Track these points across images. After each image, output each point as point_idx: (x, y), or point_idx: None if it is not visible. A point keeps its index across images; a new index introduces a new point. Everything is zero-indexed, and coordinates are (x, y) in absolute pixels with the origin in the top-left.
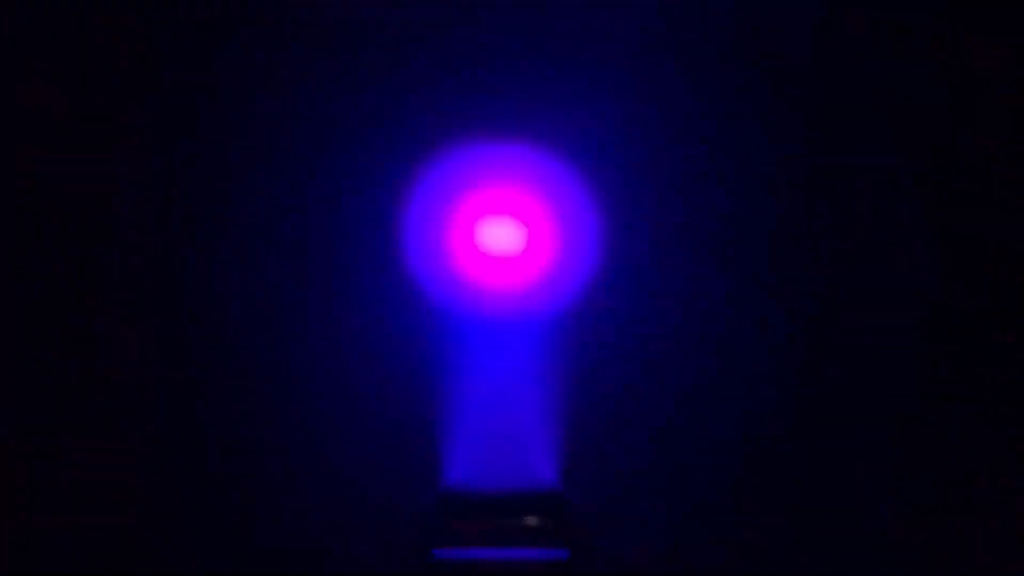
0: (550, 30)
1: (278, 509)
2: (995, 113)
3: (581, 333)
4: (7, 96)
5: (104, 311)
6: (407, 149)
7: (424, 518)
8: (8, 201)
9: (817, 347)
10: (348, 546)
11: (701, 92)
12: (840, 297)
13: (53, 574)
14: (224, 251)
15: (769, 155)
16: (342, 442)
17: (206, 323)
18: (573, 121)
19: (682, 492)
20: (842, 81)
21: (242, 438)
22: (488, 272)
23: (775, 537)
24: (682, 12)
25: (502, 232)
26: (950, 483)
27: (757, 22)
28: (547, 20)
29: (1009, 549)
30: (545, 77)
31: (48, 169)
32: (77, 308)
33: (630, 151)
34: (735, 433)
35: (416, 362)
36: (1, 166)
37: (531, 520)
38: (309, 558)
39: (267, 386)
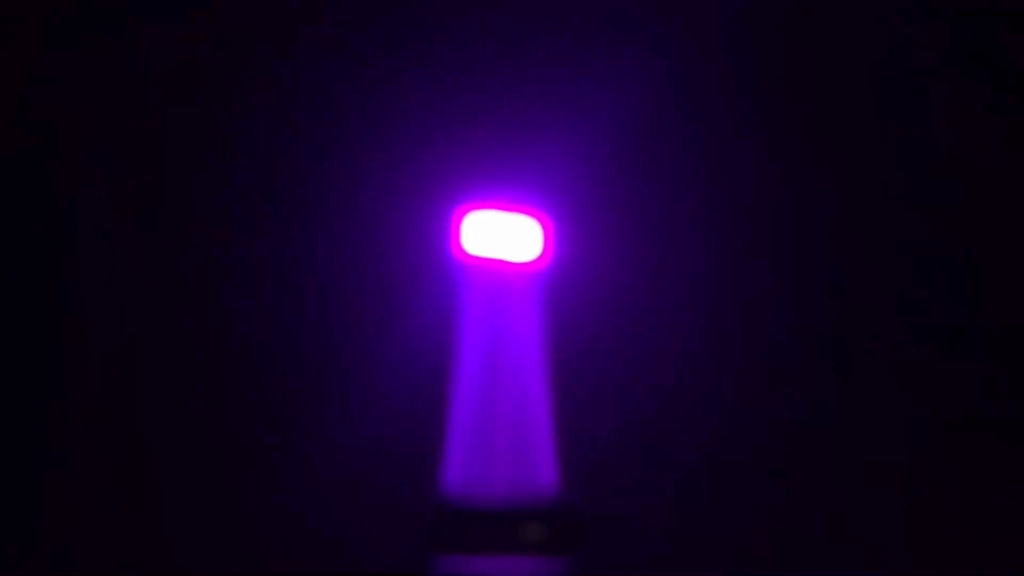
0: (558, 30)
1: (279, 512)
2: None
3: (583, 341)
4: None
5: (107, 303)
6: (412, 147)
7: (423, 525)
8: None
9: (824, 350)
10: (348, 553)
11: (709, 90)
12: (846, 298)
13: (60, 573)
14: (229, 248)
15: (776, 154)
16: (343, 450)
17: (211, 318)
18: (578, 120)
19: (683, 501)
20: (848, 81)
21: (242, 441)
22: (494, 278)
23: (777, 543)
24: (688, 8)
25: (507, 236)
26: (952, 484)
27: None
28: (556, 19)
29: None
30: (550, 75)
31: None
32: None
33: (632, 150)
34: (737, 440)
35: (417, 369)
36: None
37: (530, 528)
38: (309, 562)
39: (269, 390)
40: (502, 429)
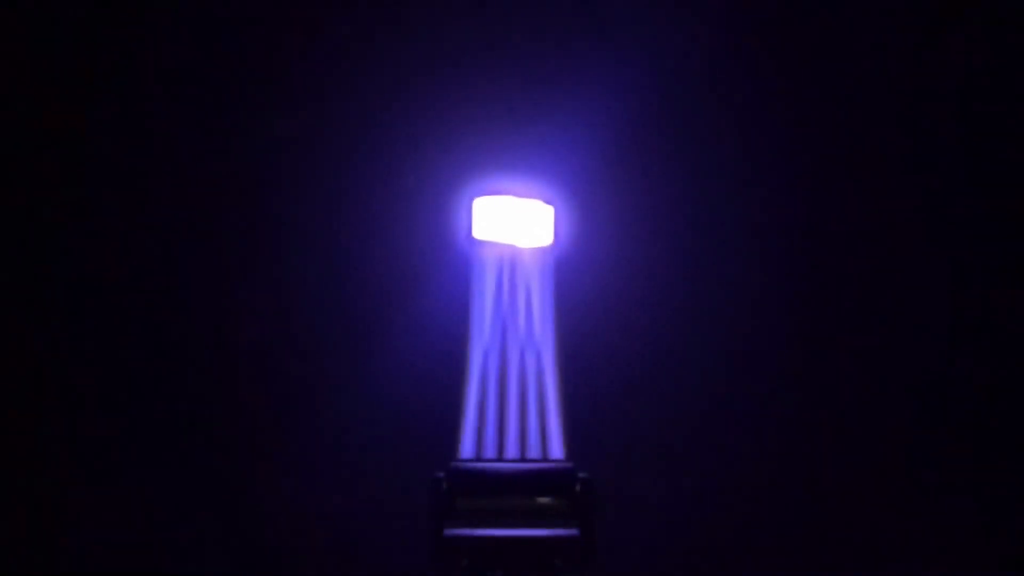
0: (565, 27)
1: (291, 485)
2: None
3: (595, 317)
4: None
5: (114, 302)
6: (419, 141)
7: (435, 496)
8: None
9: (825, 337)
10: (359, 524)
11: (715, 89)
12: (844, 293)
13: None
14: (242, 243)
15: (780, 152)
16: (355, 423)
17: (223, 307)
18: (583, 116)
19: (693, 471)
20: (849, 82)
21: (255, 416)
22: (503, 258)
23: (785, 515)
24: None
25: (518, 223)
26: (952, 481)
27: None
28: (563, 17)
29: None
30: (556, 71)
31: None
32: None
33: (640, 142)
34: (745, 414)
35: (432, 348)
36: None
37: (543, 499)
38: (320, 536)
39: (280, 370)
40: (515, 404)
